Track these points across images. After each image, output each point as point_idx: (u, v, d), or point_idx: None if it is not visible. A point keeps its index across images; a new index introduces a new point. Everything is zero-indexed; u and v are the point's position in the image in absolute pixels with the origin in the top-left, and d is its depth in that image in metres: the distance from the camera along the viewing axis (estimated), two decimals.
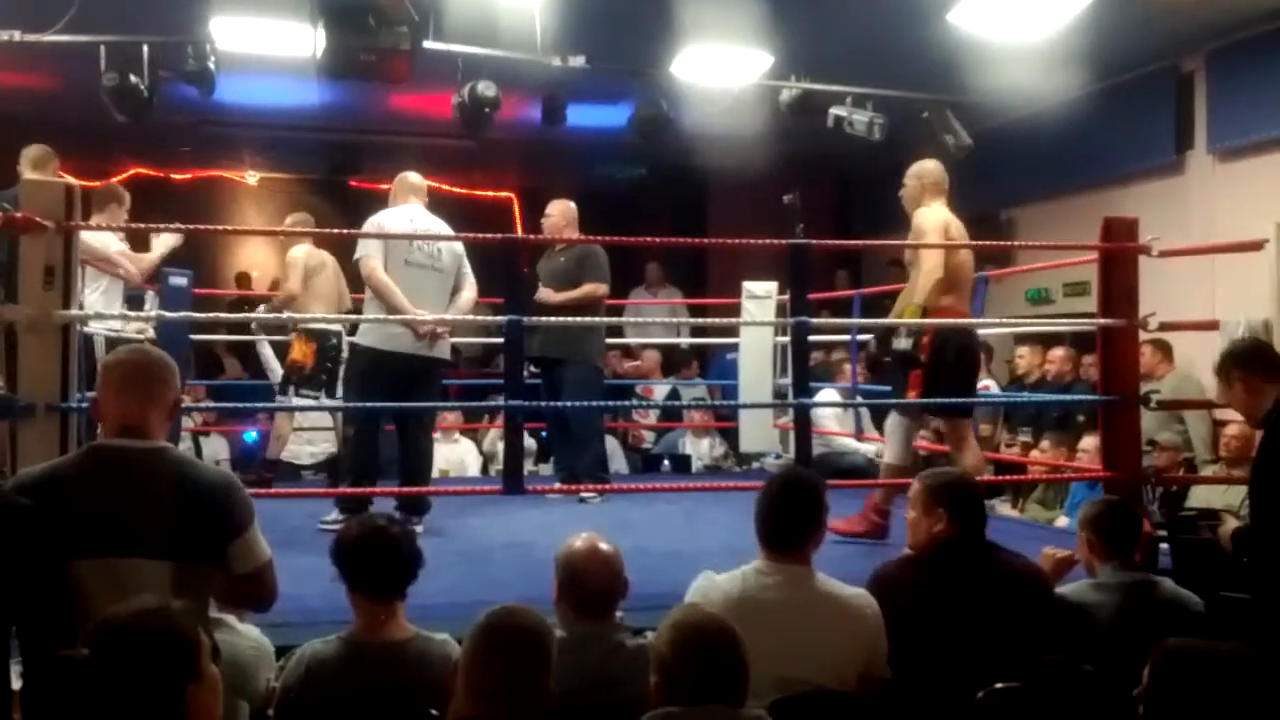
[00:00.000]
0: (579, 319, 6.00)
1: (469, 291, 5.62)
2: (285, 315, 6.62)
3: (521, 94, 7.88)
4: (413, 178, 5.82)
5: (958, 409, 5.25)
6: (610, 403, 7.85)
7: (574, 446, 6.53)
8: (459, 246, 5.64)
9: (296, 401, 6.29)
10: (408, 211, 5.62)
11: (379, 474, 5.47)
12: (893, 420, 5.33)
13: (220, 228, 6.32)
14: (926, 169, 5.34)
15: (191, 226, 6.39)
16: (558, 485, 6.10)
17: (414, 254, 5.42)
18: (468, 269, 5.67)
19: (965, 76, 7.77)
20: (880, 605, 3.10)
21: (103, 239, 5.85)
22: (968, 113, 8.42)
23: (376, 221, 5.59)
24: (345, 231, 5.88)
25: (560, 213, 6.62)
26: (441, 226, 5.66)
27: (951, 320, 5.09)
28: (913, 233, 5.21)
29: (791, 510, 3.08)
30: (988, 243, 6.32)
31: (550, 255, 6.66)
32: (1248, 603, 3.75)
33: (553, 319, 5.78)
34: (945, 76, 7.92)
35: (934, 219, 5.12)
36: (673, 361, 10.02)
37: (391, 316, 5.28)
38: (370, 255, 5.34)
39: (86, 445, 2.69)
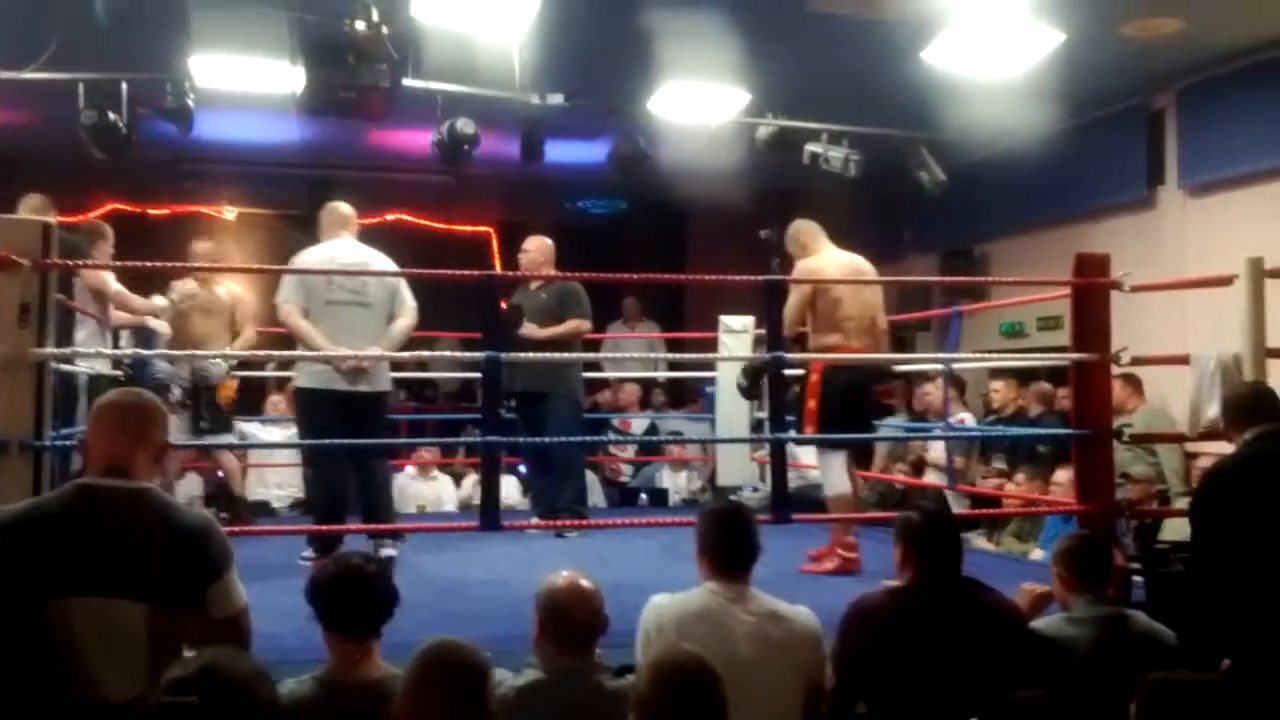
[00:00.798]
0: (560, 355, 6.05)
1: (402, 320, 5.44)
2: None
3: (500, 130, 7.93)
4: (341, 209, 5.65)
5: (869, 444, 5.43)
6: (594, 437, 7.84)
7: (555, 480, 6.54)
8: (391, 280, 5.45)
9: (226, 439, 6.35)
10: (329, 249, 5.47)
11: (345, 508, 5.37)
12: (821, 455, 5.58)
13: (197, 265, 6.37)
14: (793, 230, 5.78)
15: (170, 264, 6.42)
16: (535, 520, 6.09)
17: (334, 293, 5.28)
18: (404, 297, 5.48)
19: (940, 113, 7.87)
20: (857, 635, 3.21)
21: (101, 276, 5.90)
22: (942, 149, 8.52)
23: (295, 261, 5.53)
24: (283, 268, 5.71)
25: (537, 249, 6.64)
26: (376, 257, 5.49)
27: (840, 356, 5.40)
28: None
29: (739, 535, 3.26)
30: (961, 278, 6.39)
31: (529, 291, 6.66)
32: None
33: (535, 355, 5.86)
34: (920, 113, 8.02)
35: (803, 269, 5.57)
36: (650, 396, 10.05)
37: (311, 355, 5.22)
38: (285, 300, 5.28)
39: (72, 483, 2.69)
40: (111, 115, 7.11)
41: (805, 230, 5.74)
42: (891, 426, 8.30)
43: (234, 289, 6.79)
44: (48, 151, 8.71)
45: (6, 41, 6.85)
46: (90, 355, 5.43)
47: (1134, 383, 7.08)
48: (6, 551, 2.40)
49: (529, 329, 6.39)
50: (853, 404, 5.46)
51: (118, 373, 6.10)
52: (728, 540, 3.25)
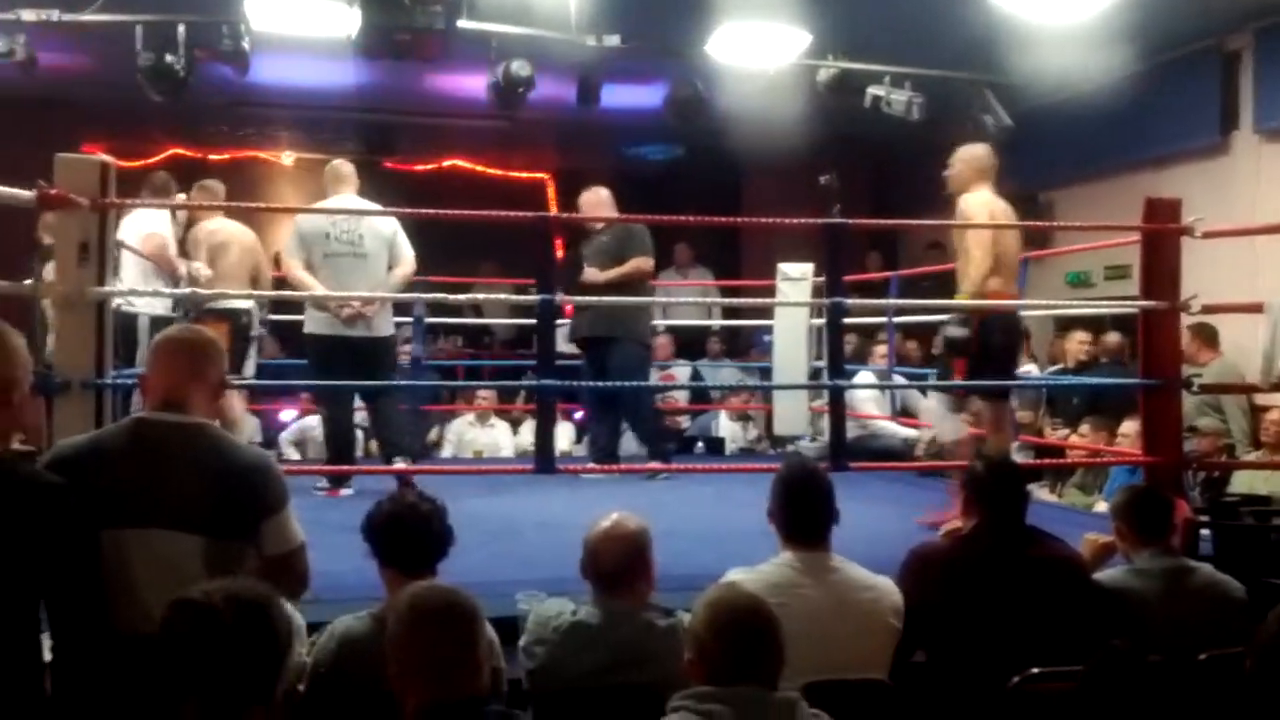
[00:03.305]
0: (623, 299, 6.16)
1: (400, 269, 5.84)
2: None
3: (556, 74, 7.84)
4: (341, 167, 6.06)
5: (997, 392, 5.18)
6: (652, 384, 7.76)
7: (636, 426, 6.72)
8: (387, 228, 5.83)
9: None
10: (331, 204, 5.89)
11: (353, 443, 6.08)
12: (935, 401, 5.28)
13: (257, 205, 6.44)
14: (975, 153, 5.23)
15: (228, 204, 6.45)
16: (590, 465, 6.11)
17: (331, 245, 5.73)
18: (401, 247, 5.86)
19: (1005, 56, 7.67)
20: (917, 584, 3.14)
21: (162, 246, 6.17)
22: (1007, 93, 8.32)
23: (296, 219, 6.02)
24: (319, 209, 5.94)
25: (594, 201, 6.63)
26: (372, 210, 5.95)
27: (999, 302, 5.04)
28: (958, 218, 5.12)
29: (812, 501, 3.12)
30: (1028, 223, 6.24)
31: (590, 240, 6.69)
32: None
33: (598, 299, 5.99)
34: (985, 56, 7.83)
35: (979, 205, 5.04)
36: (705, 343, 9.99)
37: (306, 298, 5.79)
38: (288, 254, 5.87)
39: (130, 417, 2.71)
40: (168, 57, 7.12)
41: (986, 158, 5.21)
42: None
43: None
44: (106, 96, 8.78)
45: None
46: (149, 294, 5.49)
47: (1207, 335, 6.90)
48: (61, 487, 2.40)
49: (590, 273, 6.42)
50: (1007, 352, 5.19)
51: (176, 314, 6.16)
52: (801, 508, 3.12)
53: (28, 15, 6.95)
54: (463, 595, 2.29)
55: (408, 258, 5.89)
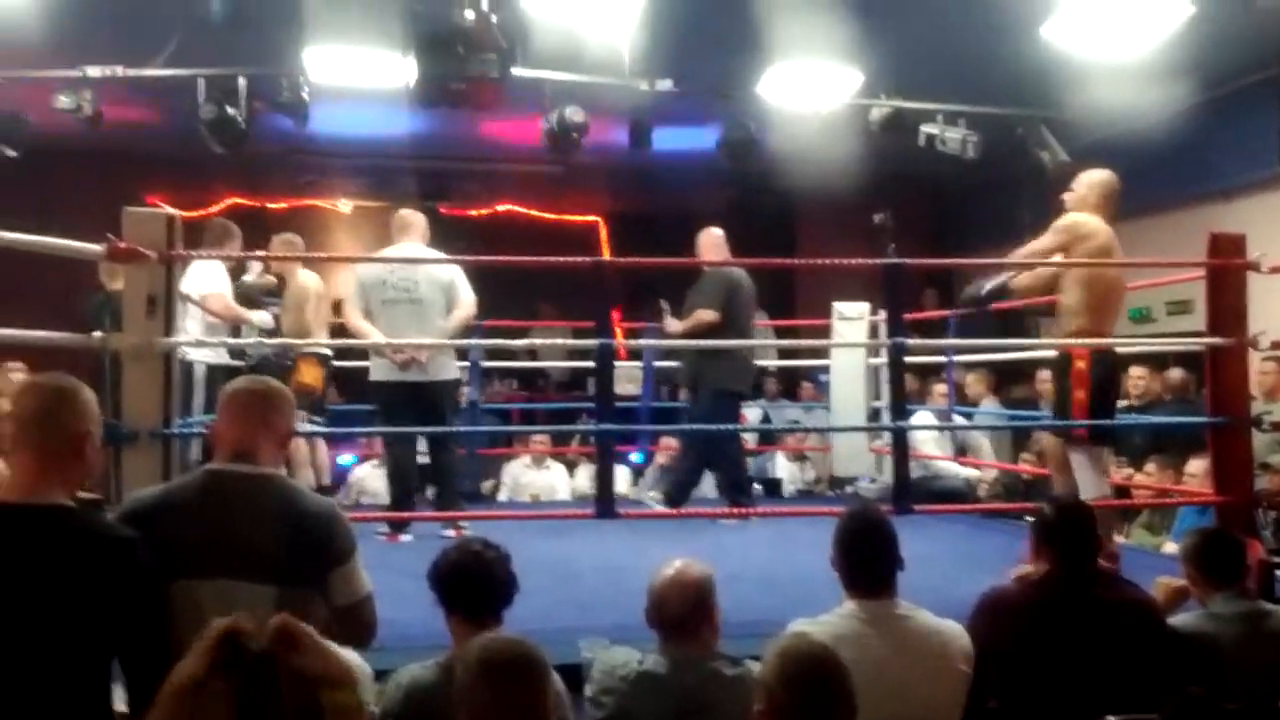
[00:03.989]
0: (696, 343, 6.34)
1: (457, 312, 5.89)
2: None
3: (608, 118, 7.91)
4: (408, 216, 6.14)
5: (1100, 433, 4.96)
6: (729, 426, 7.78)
7: (715, 472, 6.76)
8: (445, 274, 5.88)
9: (307, 427, 6.28)
10: (391, 253, 5.99)
11: (414, 489, 6.03)
12: (1078, 458, 4.93)
13: (316, 254, 6.56)
14: (1101, 178, 5.06)
15: (286, 255, 6.55)
16: (648, 509, 6.09)
17: (388, 293, 5.83)
18: (460, 291, 5.92)
19: (1061, 92, 7.65)
20: (989, 630, 3.07)
21: (225, 302, 6.32)
22: (1064, 128, 8.27)
23: (357, 268, 6.14)
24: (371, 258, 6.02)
25: (702, 243, 6.68)
26: (428, 256, 6.04)
27: (1070, 341, 4.92)
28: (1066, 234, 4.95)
29: (874, 551, 3.03)
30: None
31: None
32: None
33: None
34: (1040, 92, 7.80)
35: (1083, 224, 4.91)
36: (761, 385, 9.95)
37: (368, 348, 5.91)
38: (348, 303, 5.97)
39: (201, 469, 2.74)
40: (230, 109, 7.27)
41: (1113, 187, 5.04)
42: (999, 414, 8.08)
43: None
44: (169, 147, 8.97)
45: (129, 40, 7.06)
46: (214, 345, 5.57)
47: None
48: (134, 541, 2.43)
49: (667, 323, 6.60)
50: (1113, 394, 5.03)
51: (238, 362, 6.25)
52: (863, 558, 3.03)
53: (94, 72, 7.13)
54: (531, 646, 2.28)
55: (466, 301, 5.93)
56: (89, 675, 2.36)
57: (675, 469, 6.88)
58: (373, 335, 5.78)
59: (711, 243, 6.65)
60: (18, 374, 6.82)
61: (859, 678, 2.37)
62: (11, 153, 7.71)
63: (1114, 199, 5.01)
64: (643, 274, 9.27)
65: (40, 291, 7.10)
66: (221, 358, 6.24)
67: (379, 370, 5.89)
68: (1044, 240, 4.90)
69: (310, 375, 6.35)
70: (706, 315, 6.37)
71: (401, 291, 5.84)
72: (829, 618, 2.99)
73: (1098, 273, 4.85)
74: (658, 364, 8.19)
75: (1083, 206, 4.99)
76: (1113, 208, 5.02)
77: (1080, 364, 4.82)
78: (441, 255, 6.08)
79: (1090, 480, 4.78)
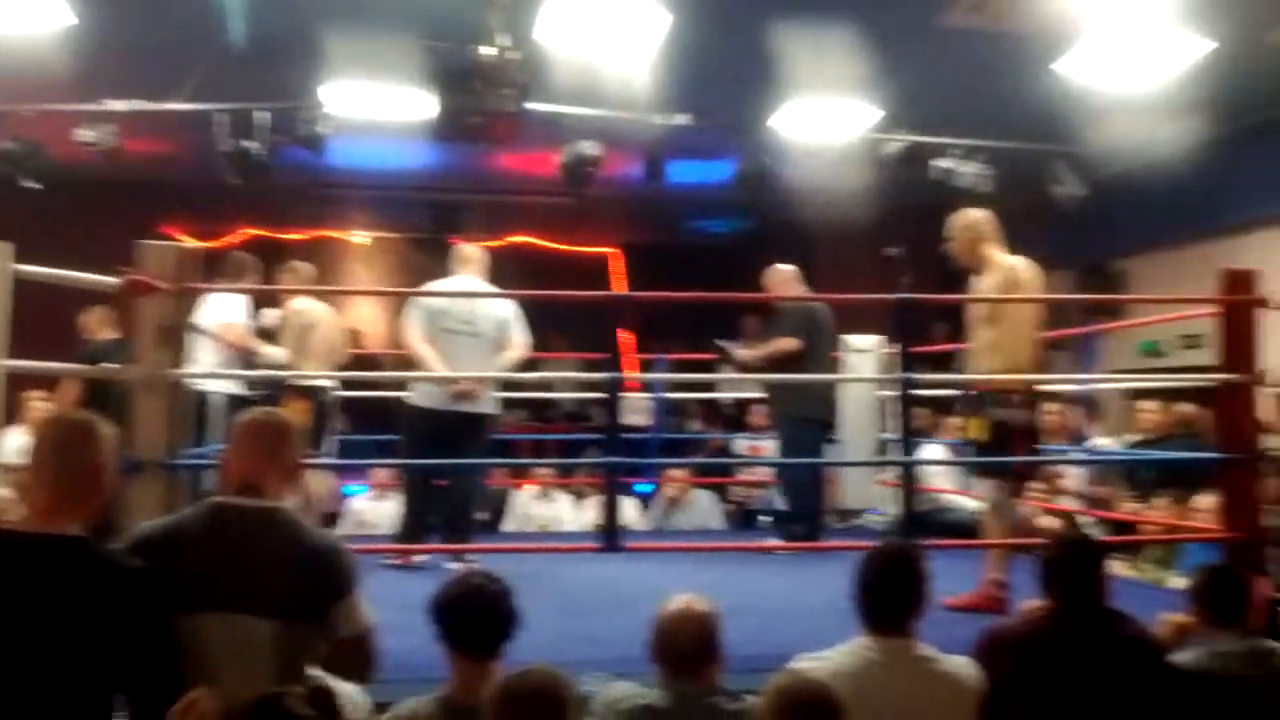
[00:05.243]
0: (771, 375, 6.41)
1: (511, 351, 5.91)
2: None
3: (624, 151, 7.96)
4: (466, 249, 6.13)
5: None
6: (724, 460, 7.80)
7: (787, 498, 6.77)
8: (504, 311, 5.92)
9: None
10: (449, 284, 6.03)
11: (428, 522, 5.93)
12: (990, 486, 5.02)
13: (326, 288, 6.65)
14: (978, 218, 5.05)
15: (299, 288, 6.59)
16: (654, 543, 6.10)
17: (449, 321, 5.82)
18: (516, 331, 5.95)
19: (1075, 126, 7.66)
20: (990, 665, 3.05)
21: (242, 335, 6.34)
22: (1079, 163, 8.29)
23: (416, 297, 6.10)
24: (402, 290, 6.05)
25: (771, 283, 6.72)
26: (490, 293, 6.09)
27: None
28: (1000, 284, 4.92)
29: (892, 587, 3.00)
30: (1101, 296, 6.18)
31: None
32: None
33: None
34: (1054, 127, 7.81)
35: (1011, 269, 4.86)
36: None
37: (426, 376, 5.76)
38: (409, 327, 5.87)
39: (208, 501, 2.76)
40: (248, 143, 7.35)
41: (990, 222, 5.02)
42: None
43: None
44: (188, 179, 9.06)
45: (149, 74, 7.15)
46: (224, 376, 5.59)
47: None
48: (142, 573, 2.45)
49: (740, 353, 6.73)
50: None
51: (251, 394, 6.28)
52: (881, 593, 2.99)
53: (116, 106, 7.22)
54: (560, 680, 2.31)
55: (520, 341, 5.95)
56: (94, 705, 2.38)
57: (791, 506, 6.78)
58: (433, 361, 5.72)
59: (783, 278, 6.69)
60: (39, 404, 6.90)
61: (863, 715, 2.37)
62: (34, 185, 7.80)
63: (997, 231, 5.00)
64: (658, 307, 9.30)
65: (60, 323, 7.18)
66: (237, 389, 6.28)
67: (423, 397, 5.84)
68: (1001, 289, 4.83)
69: (293, 410, 6.28)
70: (788, 344, 6.40)
71: (464, 324, 5.84)
72: (836, 651, 2.97)
73: (1032, 312, 4.84)
74: (667, 396, 8.21)
75: (975, 247, 4.97)
76: (999, 239, 5.00)
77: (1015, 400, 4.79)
78: (493, 289, 6.08)
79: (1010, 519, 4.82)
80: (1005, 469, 4.83)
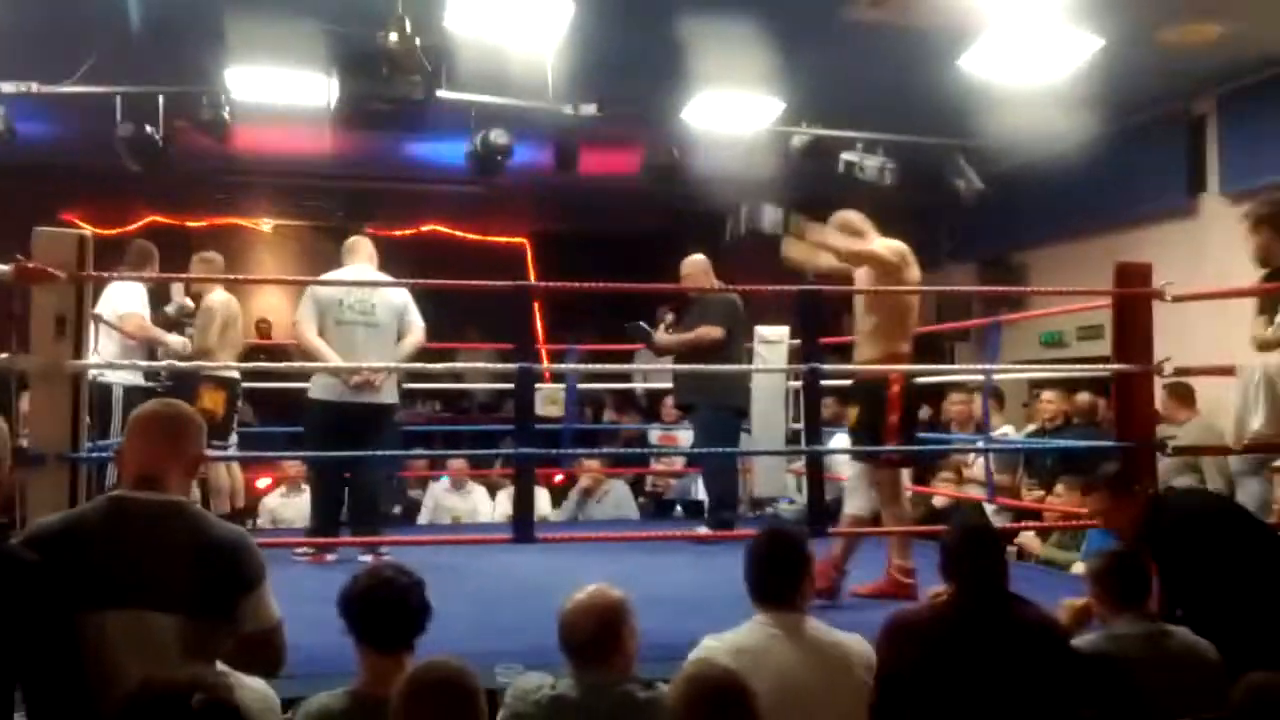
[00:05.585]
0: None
1: (410, 338, 5.92)
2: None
3: (534, 141, 7.94)
4: (353, 239, 6.17)
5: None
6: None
7: (707, 488, 6.96)
8: (399, 299, 5.91)
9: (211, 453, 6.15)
10: (341, 275, 6.04)
11: (339, 513, 5.95)
12: (855, 471, 5.18)
13: (236, 277, 6.52)
14: (845, 216, 5.25)
15: (203, 277, 6.48)
16: (566, 533, 6.09)
17: (344, 314, 5.80)
18: (412, 317, 5.97)
19: (977, 121, 7.80)
20: (894, 652, 3.13)
21: (142, 324, 6.25)
22: (980, 156, 8.45)
23: (309, 288, 6.06)
24: (312, 280, 6.02)
25: (691, 270, 6.77)
26: (384, 282, 6.12)
27: (898, 367, 5.00)
28: (867, 268, 5.08)
29: (779, 564, 3.15)
30: (1003, 289, 6.32)
31: (690, 305, 6.94)
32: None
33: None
34: (957, 121, 7.95)
35: (885, 247, 5.04)
36: None
37: (318, 367, 5.79)
38: (301, 320, 5.85)
39: (106, 495, 2.70)
40: (148, 128, 7.18)
41: (859, 217, 5.25)
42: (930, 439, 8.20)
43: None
44: (85, 165, 8.81)
45: (45, 56, 6.94)
46: (125, 367, 5.47)
47: (1184, 394, 6.94)
48: (38, 565, 2.39)
49: (659, 338, 6.79)
50: (916, 417, 5.18)
51: (153, 384, 6.16)
52: (769, 570, 3.16)
53: (6, 87, 7.01)
54: (465, 673, 2.30)
55: (418, 326, 5.96)
56: None
57: (714, 494, 6.90)
58: (327, 354, 5.70)
59: (703, 268, 6.77)
60: None
61: (762, 685, 2.43)
62: None
63: (868, 223, 5.21)
64: (570, 297, 9.30)
65: None
66: (139, 380, 6.15)
67: (321, 389, 5.81)
68: (876, 258, 5.00)
69: (210, 400, 6.16)
70: (714, 332, 6.52)
71: (359, 314, 5.82)
72: (735, 631, 3.09)
73: (895, 296, 4.99)
74: (580, 386, 8.21)
75: (859, 239, 5.13)
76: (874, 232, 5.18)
77: (895, 388, 4.92)
78: (390, 279, 6.09)
79: (897, 503, 5.00)
80: (877, 457, 4.97)
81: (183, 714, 1.89)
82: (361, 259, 6.04)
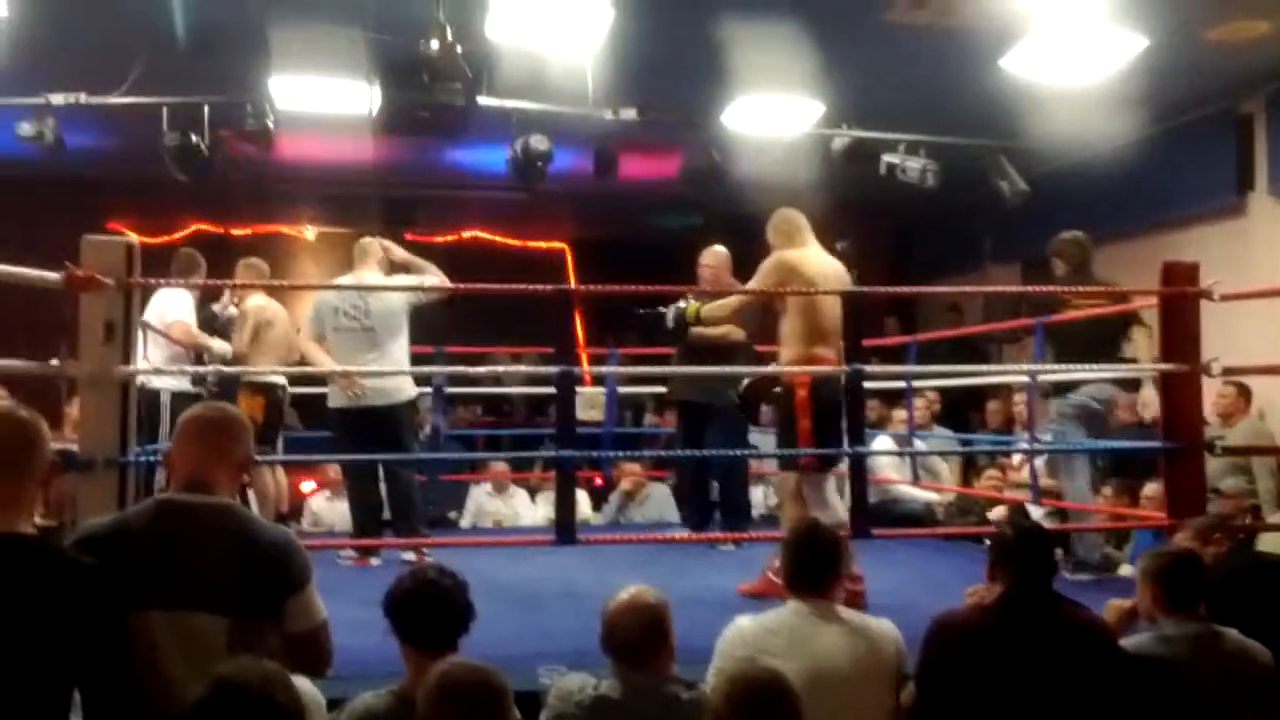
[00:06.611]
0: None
1: (430, 278, 6.04)
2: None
3: (574, 146, 7.95)
4: (360, 244, 6.19)
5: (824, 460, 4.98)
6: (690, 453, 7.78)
7: (723, 493, 6.70)
8: (396, 301, 5.91)
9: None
10: (346, 280, 6.17)
11: (379, 515, 6.03)
12: (809, 478, 4.97)
13: (280, 283, 6.59)
14: (777, 218, 5.27)
15: (251, 283, 6.55)
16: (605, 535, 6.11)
17: (340, 320, 5.90)
18: (431, 274, 6.06)
19: (1020, 121, 7.74)
20: (940, 653, 3.14)
21: (190, 331, 6.31)
22: (1023, 158, 8.38)
23: (315, 295, 6.23)
24: (363, 285, 6.00)
25: (712, 263, 6.55)
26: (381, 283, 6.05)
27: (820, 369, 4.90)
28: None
29: (814, 554, 3.26)
30: (1047, 288, 6.26)
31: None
32: None
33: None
34: (1000, 122, 7.90)
35: (783, 262, 5.03)
36: None
37: (321, 371, 5.91)
38: (302, 329, 6.07)
39: (154, 498, 2.74)
40: (193, 137, 7.27)
41: (791, 219, 5.22)
42: (975, 439, 8.14)
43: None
44: (132, 174, 8.93)
45: (92, 67, 7.05)
46: (173, 372, 5.54)
47: (1246, 392, 6.86)
48: (93, 569, 2.43)
49: (697, 331, 6.14)
50: (837, 420, 4.95)
51: (198, 389, 6.23)
52: (803, 557, 3.26)
53: (56, 99, 7.11)
54: (492, 674, 2.30)
55: (434, 271, 6.07)
56: (49, 704, 2.35)
57: (737, 498, 6.75)
58: (324, 362, 5.82)
59: (726, 260, 6.59)
60: None
61: (797, 664, 2.47)
62: None
63: (800, 227, 5.18)
64: (610, 302, 9.30)
65: (2, 319, 7.07)
66: (185, 385, 6.22)
67: (334, 398, 5.92)
68: (755, 282, 5.03)
69: (247, 406, 6.14)
70: (740, 332, 6.30)
71: (352, 320, 5.89)
72: (771, 612, 3.18)
73: (809, 300, 4.93)
74: (620, 390, 8.21)
75: (785, 244, 5.12)
76: (806, 235, 5.18)
77: (802, 393, 4.84)
78: (394, 282, 6.06)
79: (821, 506, 4.85)
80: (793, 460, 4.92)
81: (258, 711, 1.91)
82: (370, 264, 6.08)
